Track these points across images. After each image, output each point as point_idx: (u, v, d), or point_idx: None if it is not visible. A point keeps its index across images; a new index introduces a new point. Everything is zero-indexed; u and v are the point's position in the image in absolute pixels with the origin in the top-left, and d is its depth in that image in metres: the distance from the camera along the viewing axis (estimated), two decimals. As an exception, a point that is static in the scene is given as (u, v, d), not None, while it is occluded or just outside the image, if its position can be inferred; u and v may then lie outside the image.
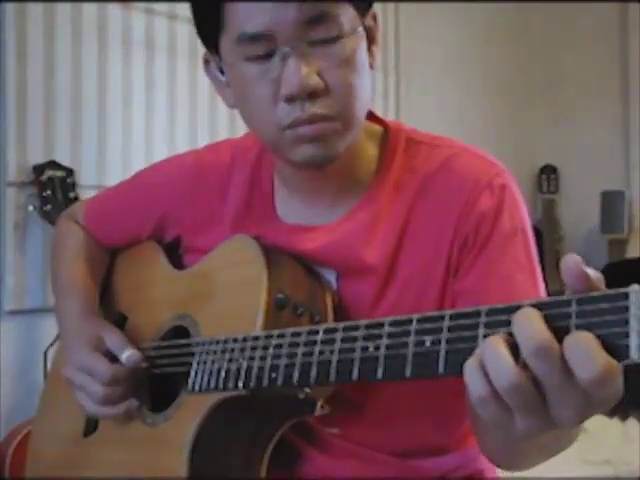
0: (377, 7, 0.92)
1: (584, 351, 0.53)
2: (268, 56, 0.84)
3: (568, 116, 3.73)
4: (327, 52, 0.84)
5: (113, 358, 0.98)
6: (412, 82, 3.12)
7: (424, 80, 3.19)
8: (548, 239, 3.44)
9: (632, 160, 3.55)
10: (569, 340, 0.54)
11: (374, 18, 0.92)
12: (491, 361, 0.56)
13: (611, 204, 3.45)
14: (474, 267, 0.88)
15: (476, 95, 3.46)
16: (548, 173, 3.68)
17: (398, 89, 3.06)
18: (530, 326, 0.55)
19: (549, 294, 0.88)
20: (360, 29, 0.87)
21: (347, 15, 0.85)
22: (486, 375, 0.57)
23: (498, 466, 0.94)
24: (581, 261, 0.56)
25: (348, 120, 0.87)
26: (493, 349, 0.56)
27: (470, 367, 0.58)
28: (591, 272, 0.56)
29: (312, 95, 0.83)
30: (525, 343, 0.55)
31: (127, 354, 0.96)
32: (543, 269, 0.91)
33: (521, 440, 0.62)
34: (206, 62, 0.95)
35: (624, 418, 2.52)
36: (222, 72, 0.92)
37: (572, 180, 3.70)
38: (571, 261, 0.56)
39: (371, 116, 0.98)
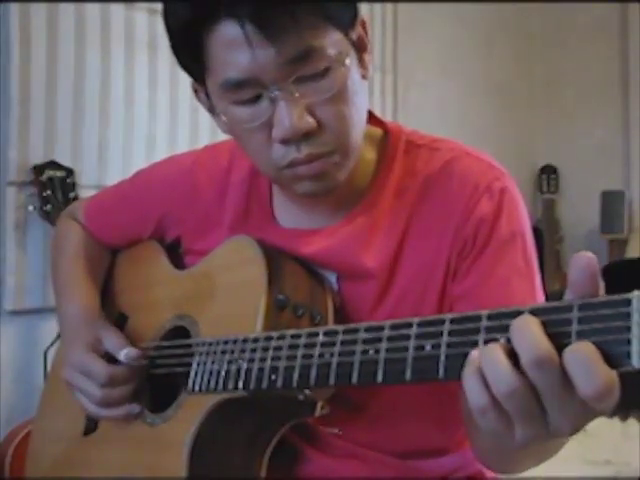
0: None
1: (585, 365, 0.52)
2: (256, 99, 0.82)
3: (568, 116, 3.73)
4: (316, 88, 0.80)
5: (111, 360, 0.98)
6: (410, 82, 3.11)
7: (423, 80, 3.18)
8: (548, 239, 3.44)
9: (632, 160, 3.55)
10: (569, 352, 0.53)
11: (363, 25, 0.88)
12: (489, 367, 0.56)
13: (611, 204, 3.46)
14: (471, 271, 0.87)
15: (476, 95, 3.46)
16: (548, 173, 3.69)
17: (395, 89, 3.05)
18: (530, 335, 0.54)
19: (549, 295, 0.89)
20: (348, 59, 0.82)
21: (332, 40, 0.80)
22: (485, 382, 0.56)
23: (490, 469, 0.94)
24: (596, 261, 0.55)
25: (346, 151, 0.85)
26: (491, 355, 0.56)
27: (468, 375, 0.58)
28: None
29: (306, 135, 0.81)
30: (524, 353, 0.54)
31: (125, 351, 0.97)
32: (543, 269, 0.91)
33: (519, 448, 0.62)
34: (195, 91, 0.93)
35: (624, 418, 2.51)
36: (211, 100, 0.89)
37: (572, 180, 3.70)
38: (585, 259, 0.55)
39: (371, 117, 0.96)
